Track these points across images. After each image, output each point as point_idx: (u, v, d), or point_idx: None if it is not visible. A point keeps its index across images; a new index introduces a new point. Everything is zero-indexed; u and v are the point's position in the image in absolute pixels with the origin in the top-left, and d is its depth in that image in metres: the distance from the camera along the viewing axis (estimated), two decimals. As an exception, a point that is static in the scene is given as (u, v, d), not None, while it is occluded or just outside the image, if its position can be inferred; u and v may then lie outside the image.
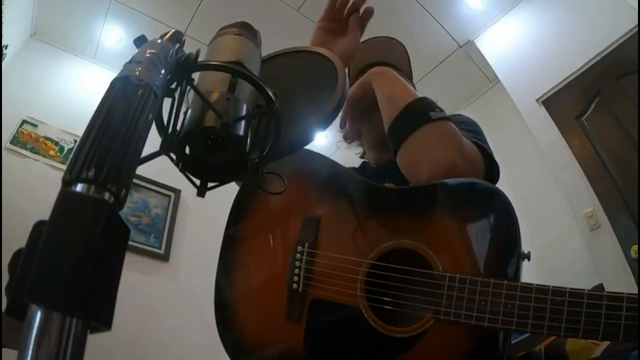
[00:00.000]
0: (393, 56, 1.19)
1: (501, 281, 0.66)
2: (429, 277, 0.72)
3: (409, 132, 0.86)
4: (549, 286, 0.62)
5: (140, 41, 0.44)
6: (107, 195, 0.32)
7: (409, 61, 1.23)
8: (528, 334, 0.72)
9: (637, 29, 2.44)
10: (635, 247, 2.21)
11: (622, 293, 0.57)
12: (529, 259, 0.71)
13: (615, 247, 2.32)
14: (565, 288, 0.61)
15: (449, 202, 0.79)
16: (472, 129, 1.01)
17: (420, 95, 0.93)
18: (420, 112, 0.87)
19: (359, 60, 1.17)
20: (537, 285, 0.63)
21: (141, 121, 0.35)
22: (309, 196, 0.91)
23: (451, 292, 0.68)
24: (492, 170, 0.93)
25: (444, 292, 0.69)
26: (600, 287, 2.31)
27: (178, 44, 0.46)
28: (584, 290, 0.60)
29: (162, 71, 0.40)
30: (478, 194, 0.77)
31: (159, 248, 2.92)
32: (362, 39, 1.11)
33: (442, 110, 0.89)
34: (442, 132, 0.86)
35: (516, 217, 0.72)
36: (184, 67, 0.45)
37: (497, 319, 0.64)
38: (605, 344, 0.64)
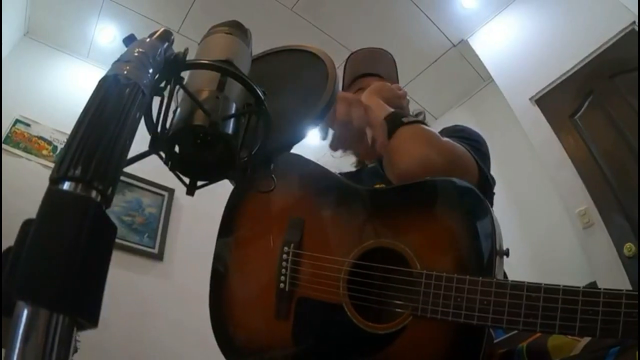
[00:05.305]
0: (382, 67, 1.31)
1: (476, 278, 0.67)
2: (407, 275, 0.74)
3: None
4: (524, 282, 0.64)
5: (129, 40, 0.44)
6: (94, 194, 0.32)
7: (396, 71, 1.34)
8: (515, 332, 0.73)
9: (630, 28, 2.46)
10: (628, 245, 2.22)
11: (599, 289, 0.57)
12: (507, 255, 0.73)
13: (608, 245, 2.32)
14: (541, 284, 0.62)
15: (428, 201, 0.82)
16: (467, 137, 1.04)
17: (392, 110, 0.98)
18: (393, 121, 0.92)
19: (354, 68, 1.30)
20: (512, 281, 0.65)
21: (129, 120, 0.35)
22: (295, 198, 0.94)
23: (428, 289, 0.70)
24: (483, 178, 0.94)
25: (421, 290, 0.71)
26: (593, 284, 2.32)
27: (167, 43, 0.46)
28: (559, 285, 0.60)
29: (151, 70, 0.40)
30: (454, 193, 0.80)
31: (153, 247, 2.90)
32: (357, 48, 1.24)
33: (415, 117, 0.94)
34: (414, 132, 0.91)
35: (492, 213, 0.74)
36: (172, 66, 0.45)
37: (473, 315, 0.65)
38: (586, 340, 0.64)
